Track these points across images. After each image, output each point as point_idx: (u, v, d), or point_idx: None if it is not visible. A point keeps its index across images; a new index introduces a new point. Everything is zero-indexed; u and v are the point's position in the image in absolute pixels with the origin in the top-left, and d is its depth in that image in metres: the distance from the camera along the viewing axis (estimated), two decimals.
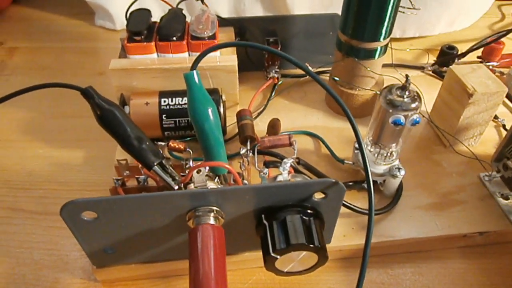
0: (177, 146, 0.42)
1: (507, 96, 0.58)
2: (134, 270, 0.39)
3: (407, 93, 0.38)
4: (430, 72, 0.64)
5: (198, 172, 0.34)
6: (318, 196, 0.33)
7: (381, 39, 0.47)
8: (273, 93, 0.57)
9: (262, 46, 0.34)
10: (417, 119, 0.38)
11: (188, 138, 0.48)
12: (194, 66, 0.33)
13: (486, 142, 0.52)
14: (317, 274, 0.41)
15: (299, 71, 0.61)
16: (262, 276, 0.41)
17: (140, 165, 0.41)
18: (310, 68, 0.35)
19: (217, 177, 0.36)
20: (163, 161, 0.35)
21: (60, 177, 0.50)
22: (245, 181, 0.38)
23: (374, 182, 0.44)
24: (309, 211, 0.33)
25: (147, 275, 0.40)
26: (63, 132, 0.56)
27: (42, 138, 0.55)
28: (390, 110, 0.38)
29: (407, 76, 0.37)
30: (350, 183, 0.45)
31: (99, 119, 0.34)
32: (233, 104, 0.54)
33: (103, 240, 0.34)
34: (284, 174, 0.34)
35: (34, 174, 0.50)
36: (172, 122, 0.46)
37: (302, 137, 0.53)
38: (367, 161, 0.31)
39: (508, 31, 0.56)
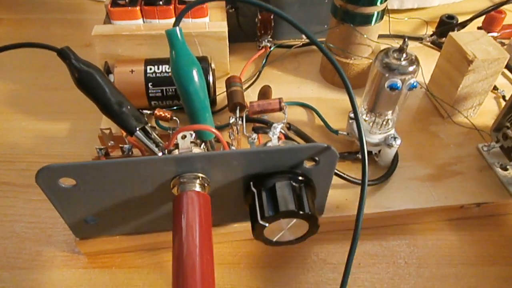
0: (163, 115, 0.40)
1: (507, 67, 0.56)
2: (119, 242, 0.37)
3: (404, 55, 0.36)
4: (429, 43, 0.62)
5: (183, 137, 0.32)
6: (309, 163, 0.32)
7: (378, 3, 0.45)
8: (265, 62, 0.55)
9: (258, 2, 0.31)
10: (414, 83, 0.36)
11: (176, 108, 0.46)
12: (177, 22, 0.31)
13: (486, 114, 0.50)
14: (309, 245, 0.40)
15: (293, 41, 0.59)
16: (252, 249, 0.39)
17: (124, 135, 0.39)
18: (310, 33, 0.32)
19: (203, 144, 0.34)
20: (147, 127, 0.33)
21: (44, 149, 0.48)
22: (233, 147, 0.36)
23: (369, 152, 0.43)
24: (299, 178, 0.31)
25: (133, 247, 0.38)
26: (47, 105, 0.53)
27: (26, 110, 0.53)
28: (387, 75, 0.36)
29: (404, 38, 0.35)
30: (345, 154, 0.43)
31: (77, 82, 0.32)
32: (224, 74, 0.52)
33: (84, 209, 0.33)
34: (273, 140, 0.33)
35: (17, 147, 0.48)
36: (159, 90, 0.44)
37: (296, 108, 0.51)
38: (361, 125, 0.30)
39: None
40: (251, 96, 0.51)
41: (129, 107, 0.32)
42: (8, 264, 0.38)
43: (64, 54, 0.31)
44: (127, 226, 0.36)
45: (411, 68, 0.36)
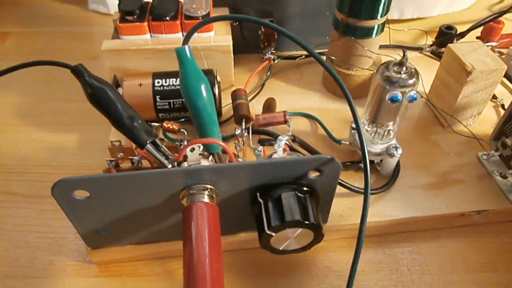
0: (171, 127, 0.41)
1: (506, 76, 0.57)
2: (129, 251, 0.38)
3: (404, 69, 0.37)
4: (429, 53, 0.63)
5: (191, 150, 0.33)
6: (313, 173, 0.33)
7: (378, 16, 0.46)
8: (268, 73, 0.57)
9: (258, 20, 0.33)
10: (414, 96, 0.37)
11: (183, 120, 0.47)
12: (186, 40, 0.32)
13: (485, 122, 0.51)
14: (314, 254, 0.41)
15: (296, 53, 0.60)
16: (259, 257, 0.40)
17: (134, 146, 0.40)
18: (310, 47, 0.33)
19: (211, 156, 0.36)
20: (156, 140, 0.34)
21: (54, 161, 0.49)
22: (240, 159, 0.38)
23: (371, 162, 0.44)
24: (304, 188, 0.32)
25: (142, 256, 0.40)
26: (57, 116, 0.55)
27: (36, 122, 0.54)
28: (387, 87, 0.37)
29: (404, 51, 0.36)
30: (347, 163, 0.45)
31: (90, 98, 0.33)
32: (229, 86, 0.53)
33: (97, 220, 0.34)
34: (279, 151, 0.34)
35: (28, 158, 0.50)
36: (166, 103, 0.46)
37: (299, 119, 0.52)
38: (362, 136, 0.31)
39: (508, 10, 0.55)
40: (255, 107, 0.52)
41: (140, 121, 0.34)
42: (21, 273, 0.39)
43: (78, 72, 0.32)
44: (137, 235, 0.37)
45: (411, 81, 0.37)
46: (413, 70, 0.38)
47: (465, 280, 0.39)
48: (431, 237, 0.42)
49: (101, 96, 0.33)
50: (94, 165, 0.48)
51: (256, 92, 0.55)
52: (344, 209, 0.41)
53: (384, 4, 0.46)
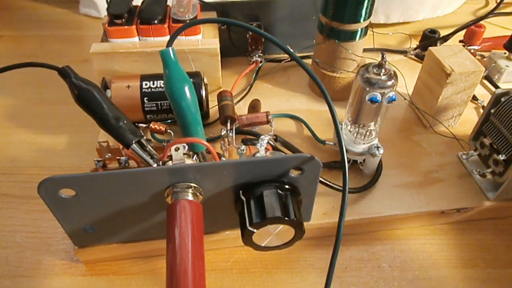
0: (158, 128, 0.42)
1: (487, 78, 0.59)
2: (116, 250, 0.39)
3: (383, 70, 0.38)
4: (413, 56, 0.65)
5: (176, 150, 0.34)
6: (295, 172, 0.34)
7: (361, 20, 0.48)
8: (255, 75, 0.58)
9: (244, 24, 0.34)
10: (393, 96, 0.38)
11: (170, 121, 0.48)
12: (170, 42, 0.33)
13: (466, 123, 0.52)
14: (297, 251, 0.42)
15: (282, 56, 0.62)
16: (243, 255, 0.41)
17: (121, 147, 0.41)
18: (291, 50, 0.35)
19: (195, 155, 0.36)
20: (142, 140, 0.35)
21: (44, 162, 0.50)
22: (224, 159, 0.39)
23: (355, 161, 0.45)
24: (286, 186, 0.33)
25: (129, 255, 0.40)
26: (47, 119, 0.55)
27: (26, 124, 0.55)
28: (367, 88, 0.39)
29: (382, 53, 0.37)
30: (331, 163, 0.46)
31: (76, 98, 0.34)
32: (216, 88, 0.54)
33: (83, 219, 0.35)
34: (261, 150, 0.35)
35: (17, 159, 0.50)
36: (154, 105, 0.46)
37: (285, 120, 0.53)
38: (341, 134, 0.32)
39: (486, 15, 0.56)
40: (242, 109, 0.53)
41: (125, 121, 0.35)
42: (9, 273, 0.40)
43: (65, 73, 0.33)
44: (124, 234, 0.38)
45: (389, 82, 0.38)
46: (392, 72, 0.39)
47: (445, 276, 0.40)
48: (412, 235, 0.43)
49: (87, 97, 0.34)
50: (83, 166, 0.49)
51: (243, 94, 0.56)
52: (327, 207, 0.42)
53: (366, 8, 0.47)
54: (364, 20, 0.48)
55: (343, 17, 0.48)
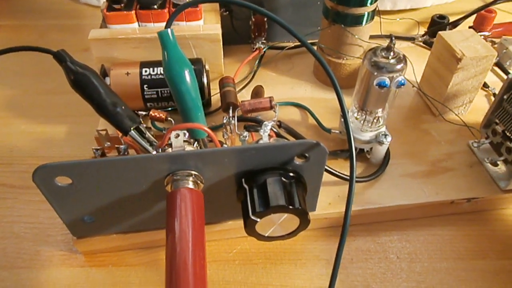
0: (158, 115, 0.41)
1: (498, 65, 0.57)
2: (116, 241, 0.38)
3: (391, 54, 0.37)
4: (421, 43, 0.63)
5: (176, 136, 0.33)
6: (299, 159, 0.32)
7: (368, 3, 0.46)
8: (257, 62, 0.56)
9: (248, 4, 0.32)
10: (402, 81, 0.37)
11: (171, 109, 0.47)
12: (169, 23, 0.31)
13: (477, 111, 0.51)
14: (302, 242, 0.40)
15: (286, 43, 0.60)
16: (246, 246, 0.40)
17: (120, 135, 0.40)
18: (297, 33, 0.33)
19: (196, 142, 0.35)
20: (140, 126, 0.34)
21: (43, 152, 0.49)
22: (225, 145, 0.37)
23: (362, 150, 0.44)
24: (290, 174, 0.32)
25: (130, 245, 0.39)
26: (45, 108, 0.54)
27: (25, 114, 0.54)
28: (375, 73, 0.37)
29: (391, 36, 0.36)
30: (338, 152, 0.44)
31: (72, 84, 0.33)
32: (218, 75, 0.53)
33: (81, 208, 0.33)
34: (264, 137, 0.34)
35: (16, 149, 0.49)
36: (154, 92, 0.45)
37: (290, 108, 0.52)
38: (348, 120, 0.30)
39: None
40: (245, 96, 0.52)
41: (123, 107, 0.33)
42: (8, 264, 0.39)
43: (60, 57, 0.32)
44: (123, 224, 0.36)
45: (398, 66, 0.37)
46: (401, 56, 0.37)
47: (454, 267, 0.39)
48: (420, 225, 0.42)
49: (84, 82, 0.32)
50: (82, 156, 0.48)
51: (246, 82, 0.54)
52: (333, 197, 0.41)
53: None
54: (371, 3, 0.46)
55: (349, 0, 0.46)
